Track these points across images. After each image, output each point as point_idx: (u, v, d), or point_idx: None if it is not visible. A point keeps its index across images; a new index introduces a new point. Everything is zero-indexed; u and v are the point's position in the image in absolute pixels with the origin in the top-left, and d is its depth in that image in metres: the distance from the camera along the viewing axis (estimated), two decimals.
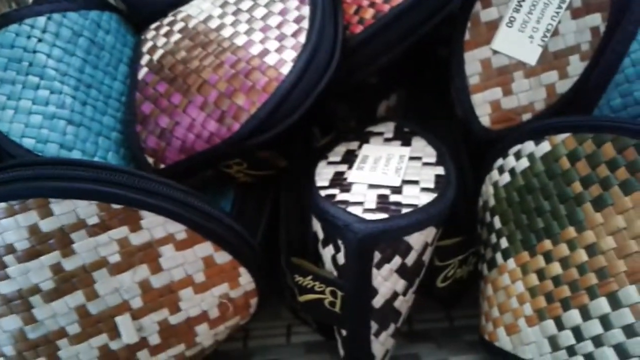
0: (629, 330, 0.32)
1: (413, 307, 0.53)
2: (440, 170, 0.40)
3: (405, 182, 0.39)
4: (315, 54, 0.38)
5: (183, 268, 0.35)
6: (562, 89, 0.42)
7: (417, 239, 0.36)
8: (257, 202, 0.44)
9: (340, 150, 0.44)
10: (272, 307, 0.51)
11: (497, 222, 0.41)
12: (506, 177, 0.41)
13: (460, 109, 0.44)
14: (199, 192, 0.35)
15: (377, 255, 0.34)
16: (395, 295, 0.36)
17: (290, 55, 0.38)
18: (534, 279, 0.37)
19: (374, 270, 0.35)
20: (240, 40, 0.41)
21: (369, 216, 0.35)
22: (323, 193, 0.38)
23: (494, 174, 0.42)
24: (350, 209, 0.36)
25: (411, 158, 0.42)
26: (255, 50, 0.40)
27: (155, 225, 0.33)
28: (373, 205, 0.36)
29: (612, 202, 0.34)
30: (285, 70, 0.38)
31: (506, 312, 0.39)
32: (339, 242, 0.35)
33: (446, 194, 0.38)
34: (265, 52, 0.39)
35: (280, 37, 0.40)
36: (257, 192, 0.44)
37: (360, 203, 0.36)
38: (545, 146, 0.38)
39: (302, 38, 0.39)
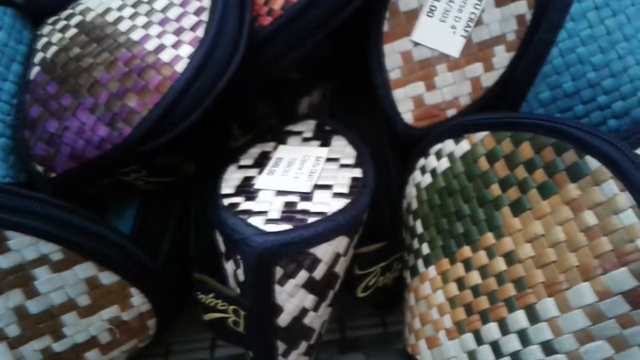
0: (547, 348, 0.30)
1: (347, 313, 0.51)
2: (357, 173, 0.37)
3: (317, 187, 0.36)
4: (214, 50, 0.34)
5: (63, 291, 0.31)
6: (487, 82, 0.40)
7: (325, 251, 0.33)
8: (164, 211, 0.40)
9: (254, 153, 0.40)
10: (195, 320, 0.48)
11: (419, 227, 0.38)
12: (427, 178, 0.38)
13: (382, 105, 0.41)
14: (79, 207, 0.31)
15: (278, 271, 0.31)
16: (304, 311, 0.34)
17: (186, 51, 0.35)
18: (454, 288, 0.35)
19: (277, 287, 0.32)
20: (136, 35, 0.37)
21: (271, 228, 0.32)
22: (226, 202, 0.35)
23: (417, 174, 0.39)
24: (252, 219, 0.33)
25: (328, 159, 0.39)
26: (151, 45, 0.36)
27: (25, 246, 0.30)
28: (277, 215, 0.33)
29: (531, 206, 0.31)
30: (180, 67, 0.34)
31: (427, 324, 0.36)
32: (238, 257, 0.32)
33: (360, 200, 0.35)
34: (161, 47, 0.36)
35: (179, 31, 0.36)
36: (164, 201, 0.40)
37: (264, 213, 0.33)
38: (464, 145, 0.35)
39: (201, 32, 0.36)
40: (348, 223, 0.33)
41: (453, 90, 0.40)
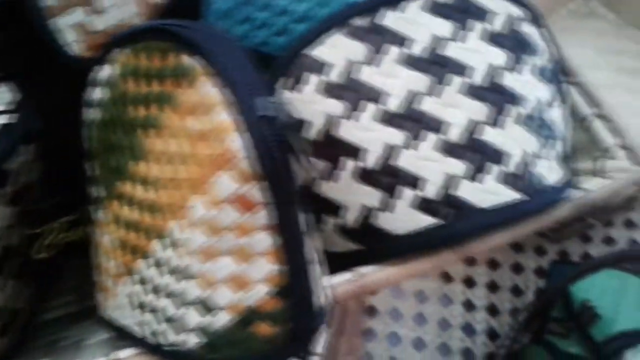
0: (177, 274, 0.27)
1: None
2: (9, 120, 0.32)
3: None
4: None
5: None
6: None
7: None
8: None
9: None
10: None
11: (89, 170, 0.34)
12: (92, 113, 0.34)
13: (43, 39, 0.36)
14: None
15: None
16: None
17: None
18: (114, 229, 0.31)
19: None
20: None
21: None
22: None
23: (85, 110, 0.35)
24: None
25: None
26: None
27: None
28: None
29: (154, 123, 0.28)
30: None
31: (102, 274, 0.32)
32: None
33: None
34: None
35: None
36: None
37: None
38: (107, 68, 0.31)
39: None
40: None
41: (118, 13, 0.35)
